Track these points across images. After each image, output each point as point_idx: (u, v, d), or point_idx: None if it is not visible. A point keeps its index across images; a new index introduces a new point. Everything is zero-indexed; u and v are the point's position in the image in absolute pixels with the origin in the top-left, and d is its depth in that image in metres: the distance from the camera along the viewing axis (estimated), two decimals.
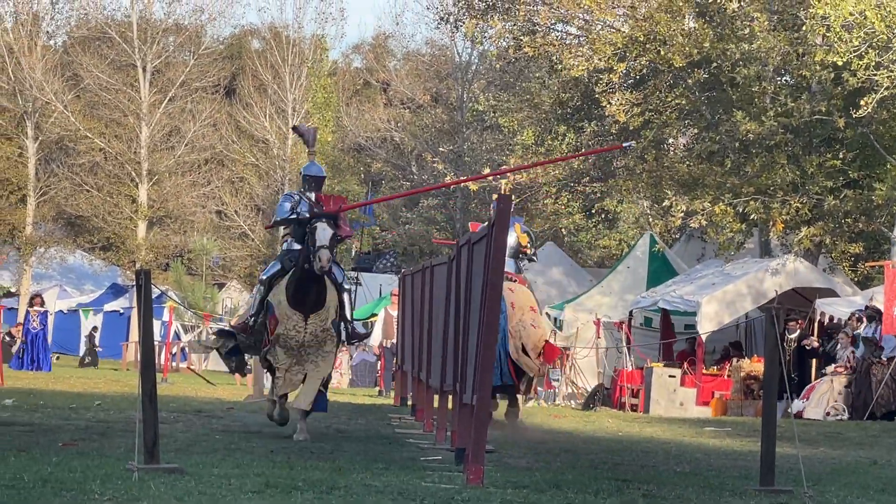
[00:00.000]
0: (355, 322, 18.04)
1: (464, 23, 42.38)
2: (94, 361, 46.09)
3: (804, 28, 33.83)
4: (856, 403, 25.60)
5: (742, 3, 36.09)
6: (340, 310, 16.25)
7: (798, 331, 28.96)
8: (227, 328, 17.79)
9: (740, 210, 34.16)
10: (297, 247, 15.96)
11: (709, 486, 12.14)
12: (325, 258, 14.82)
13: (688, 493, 11.49)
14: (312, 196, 16.48)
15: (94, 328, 50.17)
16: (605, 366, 33.37)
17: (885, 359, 26.11)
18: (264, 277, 16.40)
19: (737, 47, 35.30)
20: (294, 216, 16.24)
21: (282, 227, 18.07)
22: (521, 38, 38.90)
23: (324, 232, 15.15)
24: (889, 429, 22.95)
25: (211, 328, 44.66)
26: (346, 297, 16.69)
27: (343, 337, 16.89)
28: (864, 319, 27.65)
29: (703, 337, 30.03)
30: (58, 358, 47.22)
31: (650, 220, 45.79)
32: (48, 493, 9.26)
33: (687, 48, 35.93)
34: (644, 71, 38.56)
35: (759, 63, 34.87)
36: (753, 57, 35.02)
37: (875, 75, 31.98)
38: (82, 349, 51.09)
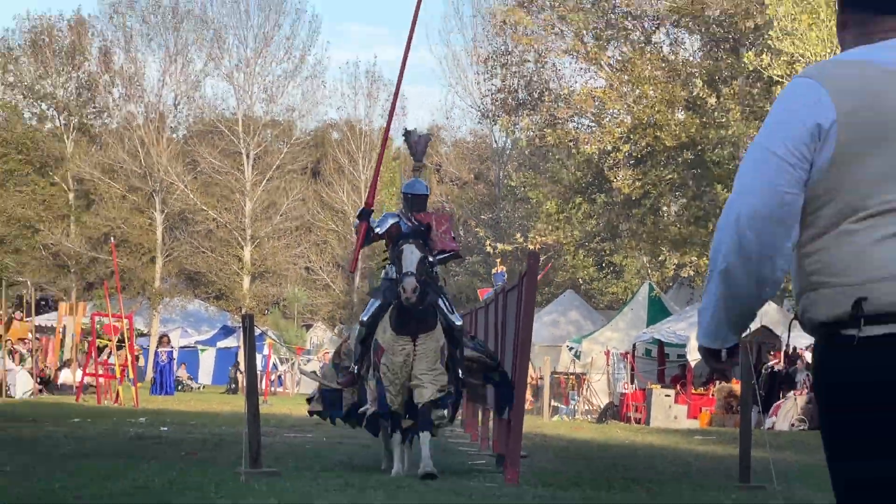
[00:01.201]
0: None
1: (499, 118, 43.27)
2: (237, 389, 45.77)
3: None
4: (815, 415, 25.43)
5: (721, 98, 36.06)
6: (452, 356, 11.49)
7: (772, 360, 28.96)
8: (333, 386, 12.63)
9: None
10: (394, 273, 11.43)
11: (698, 484, 12.13)
12: (409, 287, 10.47)
13: (681, 489, 11.48)
14: (411, 215, 11.92)
15: (238, 361, 50.05)
16: (614, 387, 33.31)
17: None
18: (365, 319, 11.69)
19: (716, 133, 35.30)
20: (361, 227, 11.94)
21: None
22: (545, 129, 39.55)
23: (411, 255, 10.75)
24: None
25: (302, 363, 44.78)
26: (457, 335, 11.73)
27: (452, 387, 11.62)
28: None
29: (693, 364, 29.92)
30: (203, 388, 47.42)
31: (649, 271, 45.74)
32: (174, 493, 9.39)
33: (677, 133, 35.66)
34: (644, 152, 38.68)
35: (734, 146, 34.96)
36: (729, 140, 35.06)
37: None
38: (206, 378, 51.39)
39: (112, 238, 41.43)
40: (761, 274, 2.68)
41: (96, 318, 32.02)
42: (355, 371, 11.76)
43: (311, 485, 10.25)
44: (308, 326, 62.91)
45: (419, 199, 12.23)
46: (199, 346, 55.99)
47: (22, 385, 30.82)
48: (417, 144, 12.82)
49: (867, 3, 2.82)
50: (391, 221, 12.03)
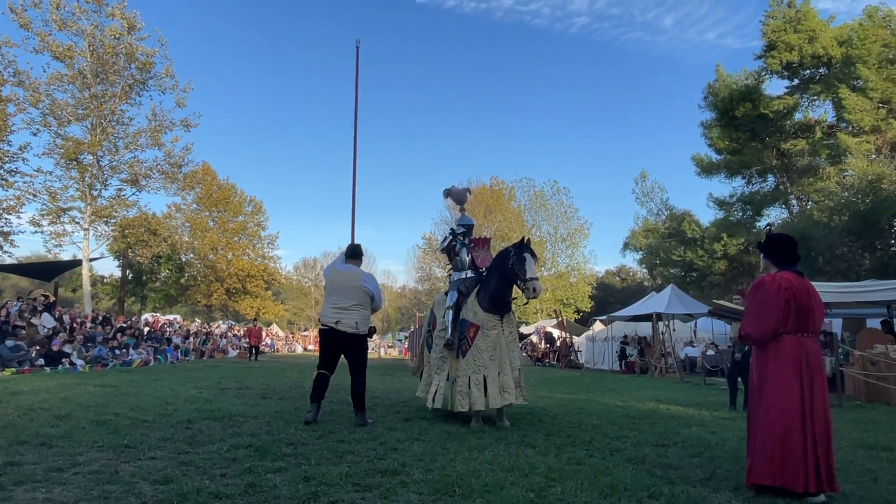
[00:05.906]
0: None
1: None
2: None
3: None
4: None
5: None
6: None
7: None
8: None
9: None
10: (461, 275, 14.87)
11: None
12: (538, 288, 12.85)
13: None
14: (466, 240, 15.24)
15: None
16: None
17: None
18: (450, 304, 14.34)
19: None
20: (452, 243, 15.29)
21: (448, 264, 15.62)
22: None
23: (530, 267, 13.15)
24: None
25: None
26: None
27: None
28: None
29: None
30: None
31: None
32: None
33: None
34: None
35: None
36: None
37: None
38: None
39: None
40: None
41: None
42: (452, 340, 14.07)
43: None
44: None
45: (469, 227, 15.34)
46: None
47: None
48: (459, 194, 15.76)
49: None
50: (448, 241, 15.47)
